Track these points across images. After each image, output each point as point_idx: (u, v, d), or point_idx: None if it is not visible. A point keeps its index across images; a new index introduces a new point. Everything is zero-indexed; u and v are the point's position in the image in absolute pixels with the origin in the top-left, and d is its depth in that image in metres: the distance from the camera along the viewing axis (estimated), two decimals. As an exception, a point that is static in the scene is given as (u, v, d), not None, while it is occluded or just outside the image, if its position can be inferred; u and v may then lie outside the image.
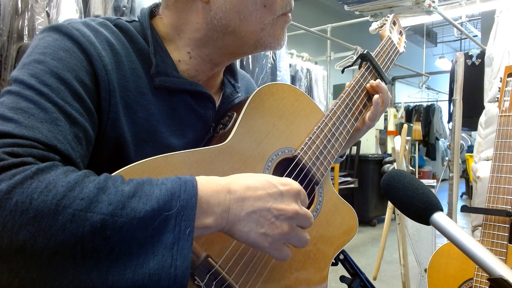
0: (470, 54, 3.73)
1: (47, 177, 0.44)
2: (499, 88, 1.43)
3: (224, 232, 0.53)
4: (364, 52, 0.90)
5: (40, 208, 0.41)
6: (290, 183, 0.58)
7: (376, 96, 0.86)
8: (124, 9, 2.33)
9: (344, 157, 0.97)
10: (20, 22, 2.00)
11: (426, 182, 2.42)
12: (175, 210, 0.47)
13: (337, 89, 5.59)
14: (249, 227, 0.53)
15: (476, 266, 1.29)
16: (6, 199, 0.41)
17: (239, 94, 0.81)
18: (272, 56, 3.57)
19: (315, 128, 0.77)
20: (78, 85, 0.55)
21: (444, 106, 9.49)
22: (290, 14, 0.71)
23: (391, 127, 6.63)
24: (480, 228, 1.33)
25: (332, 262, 0.78)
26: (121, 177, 0.48)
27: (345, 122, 0.81)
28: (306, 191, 0.73)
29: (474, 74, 3.22)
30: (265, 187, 0.55)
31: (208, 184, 0.51)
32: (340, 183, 5.13)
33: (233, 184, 0.54)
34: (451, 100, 2.08)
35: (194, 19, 0.67)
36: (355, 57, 0.95)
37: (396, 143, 2.77)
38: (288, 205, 0.56)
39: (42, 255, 0.41)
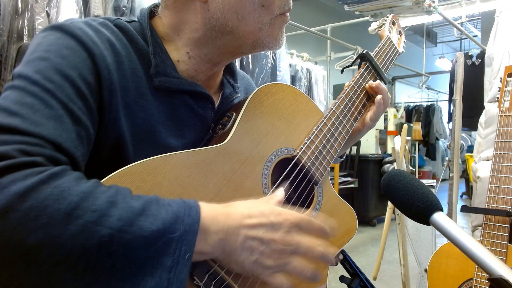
0: (470, 54, 3.73)
1: (61, 183, 0.44)
2: (499, 88, 1.43)
3: (219, 261, 0.54)
4: (363, 52, 0.90)
5: (53, 215, 0.41)
6: (283, 214, 0.57)
7: (378, 97, 0.85)
8: (124, 9, 2.33)
9: (344, 157, 0.96)
10: (20, 22, 2.00)
11: (426, 182, 2.42)
12: (178, 233, 0.47)
13: (337, 89, 5.60)
14: (243, 256, 0.53)
15: (476, 266, 1.29)
16: (20, 202, 0.41)
17: (239, 95, 0.81)
18: (272, 56, 3.57)
19: (314, 128, 0.77)
20: (82, 83, 0.55)
21: (444, 106, 9.49)
22: (288, 14, 0.70)
23: (391, 127, 6.63)
24: (480, 228, 1.33)
25: (332, 262, 0.77)
26: (129, 191, 0.49)
27: (344, 122, 0.81)
28: (305, 191, 0.74)
29: (474, 74, 3.22)
30: (258, 216, 0.55)
31: (210, 212, 0.52)
32: (340, 183, 5.13)
33: (231, 213, 0.54)
34: (451, 100, 2.08)
35: (193, 19, 0.67)
36: (354, 57, 0.95)
37: (396, 143, 2.77)
38: (279, 235, 0.55)
39: (46, 263, 0.41)
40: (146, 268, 0.45)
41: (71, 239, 0.41)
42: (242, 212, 0.54)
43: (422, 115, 8.85)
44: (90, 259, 0.42)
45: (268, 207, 0.57)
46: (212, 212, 0.52)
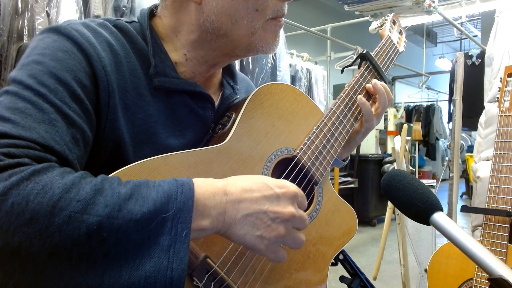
0: (470, 54, 3.73)
1: (43, 178, 0.44)
2: (499, 88, 1.43)
3: (220, 235, 0.53)
4: (364, 52, 0.90)
5: (36, 210, 0.41)
6: (286, 185, 0.57)
7: (362, 99, 0.85)
8: (124, 9, 2.33)
9: (348, 161, 0.96)
10: (20, 22, 1.99)
11: (426, 182, 2.42)
12: (172, 212, 0.47)
13: (337, 89, 5.59)
14: (245, 229, 0.53)
15: (476, 266, 1.29)
16: (2, 201, 0.41)
17: (238, 96, 0.80)
18: (272, 56, 3.56)
19: (314, 128, 0.77)
20: (77, 86, 0.55)
21: (444, 106, 9.48)
22: (282, 19, 0.70)
23: (391, 127, 6.63)
24: (480, 228, 1.33)
25: (332, 262, 0.77)
26: (118, 179, 0.48)
27: (344, 122, 0.81)
28: (305, 191, 0.73)
29: (474, 74, 3.22)
30: (261, 190, 0.55)
31: (205, 187, 0.51)
32: (340, 183, 5.13)
33: (229, 186, 0.53)
34: (451, 100, 2.08)
35: (189, 20, 0.67)
36: (355, 57, 0.95)
37: (396, 143, 2.77)
38: (284, 207, 0.55)
39: (38, 257, 0.41)
40: (143, 250, 0.45)
41: (58, 231, 0.41)
42: (242, 186, 0.54)
43: (422, 115, 8.84)
44: (83, 248, 0.42)
45: (270, 179, 0.57)
46: (208, 187, 0.52)
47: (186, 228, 0.47)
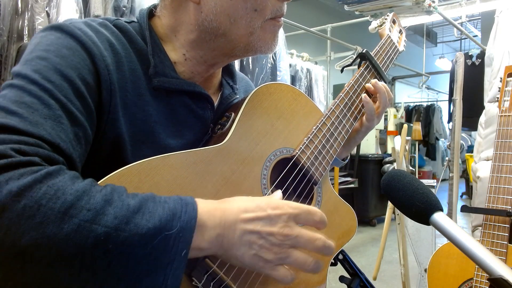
0: (470, 54, 3.73)
1: (55, 182, 0.44)
2: (499, 88, 1.43)
3: (219, 257, 0.54)
4: (363, 51, 0.90)
5: (47, 215, 0.41)
6: (281, 206, 0.56)
7: (365, 96, 0.85)
8: (124, 9, 2.33)
9: (347, 160, 0.96)
10: (20, 22, 2.00)
11: (426, 182, 2.42)
12: (175, 230, 0.47)
13: (337, 89, 5.59)
14: (242, 250, 0.53)
15: (476, 266, 1.28)
16: (14, 201, 0.41)
17: (237, 96, 0.80)
18: (272, 56, 3.56)
19: (314, 128, 0.77)
20: (81, 83, 0.55)
21: (444, 106, 9.48)
22: (281, 19, 0.70)
23: (391, 127, 6.63)
24: (480, 228, 1.33)
25: (331, 262, 0.77)
26: (125, 190, 0.49)
27: (344, 122, 0.81)
28: (304, 191, 0.73)
29: (474, 74, 3.22)
30: (255, 210, 0.54)
31: (206, 207, 0.52)
32: (340, 183, 5.13)
33: (227, 208, 0.54)
34: (451, 100, 2.09)
35: (188, 20, 0.67)
36: (354, 57, 0.95)
37: (396, 143, 2.77)
38: (277, 228, 0.54)
39: (41, 262, 0.41)
40: (143, 265, 0.45)
41: (66, 238, 0.41)
42: (238, 207, 0.54)
43: (422, 115, 8.84)
44: (86, 258, 0.42)
45: (265, 200, 0.56)
46: (208, 208, 0.52)
47: (186, 248, 0.47)
